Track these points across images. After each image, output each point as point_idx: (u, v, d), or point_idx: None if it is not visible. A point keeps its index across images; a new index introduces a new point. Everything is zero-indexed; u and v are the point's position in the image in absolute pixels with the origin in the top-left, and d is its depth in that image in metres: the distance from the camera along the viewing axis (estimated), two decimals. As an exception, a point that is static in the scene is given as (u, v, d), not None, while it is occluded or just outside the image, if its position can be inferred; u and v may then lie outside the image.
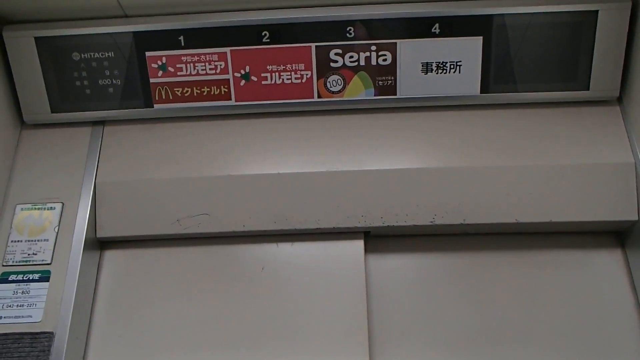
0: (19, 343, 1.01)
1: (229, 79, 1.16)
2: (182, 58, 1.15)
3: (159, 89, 1.17)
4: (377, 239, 1.16)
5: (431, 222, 1.10)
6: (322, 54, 1.14)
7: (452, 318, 1.10)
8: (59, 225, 1.11)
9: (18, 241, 1.10)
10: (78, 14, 1.14)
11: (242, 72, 1.16)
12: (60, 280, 1.06)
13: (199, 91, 1.17)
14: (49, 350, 1.01)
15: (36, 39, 1.14)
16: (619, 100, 1.16)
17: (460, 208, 1.10)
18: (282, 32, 1.13)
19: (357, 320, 1.07)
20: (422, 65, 1.14)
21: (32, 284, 1.06)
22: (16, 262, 1.09)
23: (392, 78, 1.15)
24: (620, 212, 1.09)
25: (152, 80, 1.17)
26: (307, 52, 1.14)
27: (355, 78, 1.16)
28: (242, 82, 1.17)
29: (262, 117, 1.19)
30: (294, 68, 1.15)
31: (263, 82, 1.16)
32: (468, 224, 1.10)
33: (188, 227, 1.13)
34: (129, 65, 1.16)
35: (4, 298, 1.06)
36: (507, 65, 1.13)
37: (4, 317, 1.04)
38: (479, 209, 1.10)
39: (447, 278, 1.13)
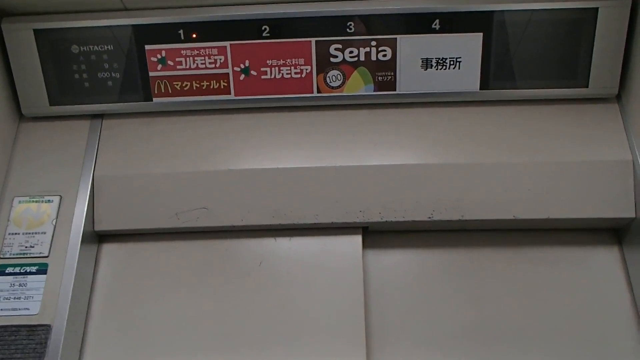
0: (16, 335, 1.01)
1: (228, 73, 1.16)
2: (182, 52, 1.15)
3: (158, 82, 1.17)
4: (376, 235, 1.16)
5: (429, 217, 1.11)
6: (322, 49, 1.14)
7: (449, 313, 1.10)
8: (56, 219, 1.11)
9: (16, 234, 1.10)
10: (77, 7, 1.14)
11: (242, 66, 1.16)
12: (57, 273, 1.06)
13: (198, 85, 1.17)
14: (46, 343, 1.01)
15: (35, 31, 1.14)
16: (618, 98, 1.16)
17: (459, 204, 1.10)
18: (282, 27, 1.13)
19: (355, 315, 1.07)
20: (422, 61, 1.14)
21: (30, 277, 1.06)
22: (14, 254, 1.08)
23: (392, 74, 1.15)
24: (617, 209, 1.09)
25: (151, 73, 1.16)
26: (307, 47, 1.14)
27: (355, 73, 1.16)
28: (242, 77, 1.16)
29: (262, 112, 1.19)
30: (293, 63, 1.15)
31: (263, 77, 1.16)
32: (466, 220, 1.10)
33: (186, 221, 1.13)
34: (128, 58, 1.15)
35: (1, 290, 1.05)
36: (506, 61, 1.13)
37: (1, 310, 1.04)
38: (477, 205, 1.10)
39: (445, 274, 1.14)
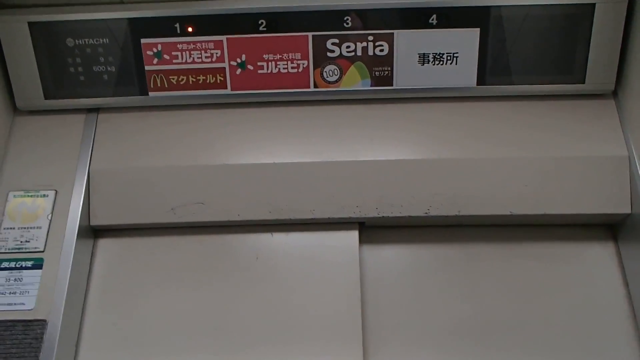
0: (11, 331, 1.01)
1: (224, 68, 1.16)
2: (178, 45, 1.14)
3: (154, 76, 1.16)
4: (372, 230, 1.16)
5: (426, 213, 1.11)
6: (319, 44, 1.13)
7: (445, 309, 1.10)
8: (52, 213, 1.10)
9: (11, 228, 1.10)
10: (73, -1, 1.13)
11: (238, 60, 1.15)
12: (53, 268, 1.06)
13: (194, 79, 1.16)
14: (41, 338, 1.00)
15: (30, 24, 1.13)
16: (614, 94, 1.17)
17: (455, 199, 1.10)
18: (279, 21, 1.12)
19: (351, 310, 1.07)
20: (419, 56, 1.14)
21: (25, 272, 1.06)
22: (9, 249, 1.08)
23: (389, 69, 1.15)
24: (613, 205, 1.09)
25: (147, 67, 1.16)
26: (303, 41, 1.14)
27: (352, 68, 1.15)
28: (238, 71, 1.16)
29: (258, 106, 1.19)
30: (290, 57, 1.15)
31: (259, 71, 1.16)
32: (462, 216, 1.10)
33: (182, 215, 1.12)
34: (124, 52, 1.15)
35: (-3, 285, 1.05)
36: (503, 57, 1.13)
37: (-3, 305, 1.04)
38: (474, 201, 1.10)
39: (441, 269, 1.14)
